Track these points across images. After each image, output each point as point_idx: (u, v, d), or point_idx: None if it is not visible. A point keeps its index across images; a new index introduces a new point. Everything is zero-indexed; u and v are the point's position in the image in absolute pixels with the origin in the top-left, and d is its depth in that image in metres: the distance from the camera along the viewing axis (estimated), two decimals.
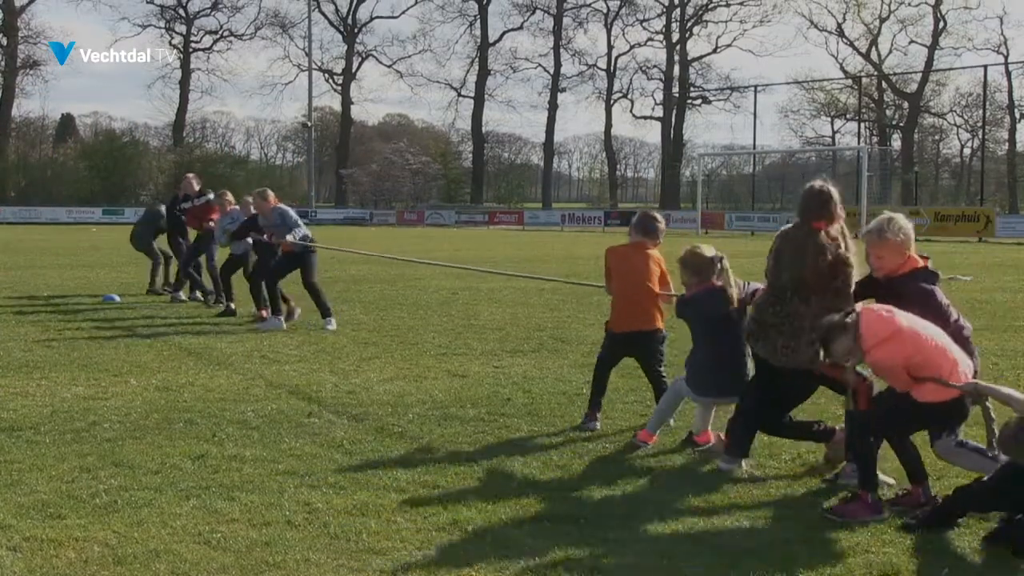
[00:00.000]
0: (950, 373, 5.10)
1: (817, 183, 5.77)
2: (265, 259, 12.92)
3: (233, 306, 13.84)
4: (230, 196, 14.67)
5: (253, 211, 13.18)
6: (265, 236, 12.76)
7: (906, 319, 5.16)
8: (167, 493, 5.45)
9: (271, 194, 12.75)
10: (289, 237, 12.20)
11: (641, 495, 5.55)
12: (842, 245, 5.65)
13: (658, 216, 7.38)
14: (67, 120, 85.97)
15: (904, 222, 5.62)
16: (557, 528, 4.98)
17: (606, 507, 5.32)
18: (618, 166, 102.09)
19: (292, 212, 12.62)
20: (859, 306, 5.45)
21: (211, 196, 15.24)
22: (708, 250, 6.50)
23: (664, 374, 7.20)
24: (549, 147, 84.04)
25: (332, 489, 5.56)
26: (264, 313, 12.65)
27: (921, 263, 5.59)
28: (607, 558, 4.58)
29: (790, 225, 5.84)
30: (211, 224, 14.92)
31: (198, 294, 15.32)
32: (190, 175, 16.01)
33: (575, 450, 6.47)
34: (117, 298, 15.53)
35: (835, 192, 5.72)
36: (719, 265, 6.40)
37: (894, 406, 5.30)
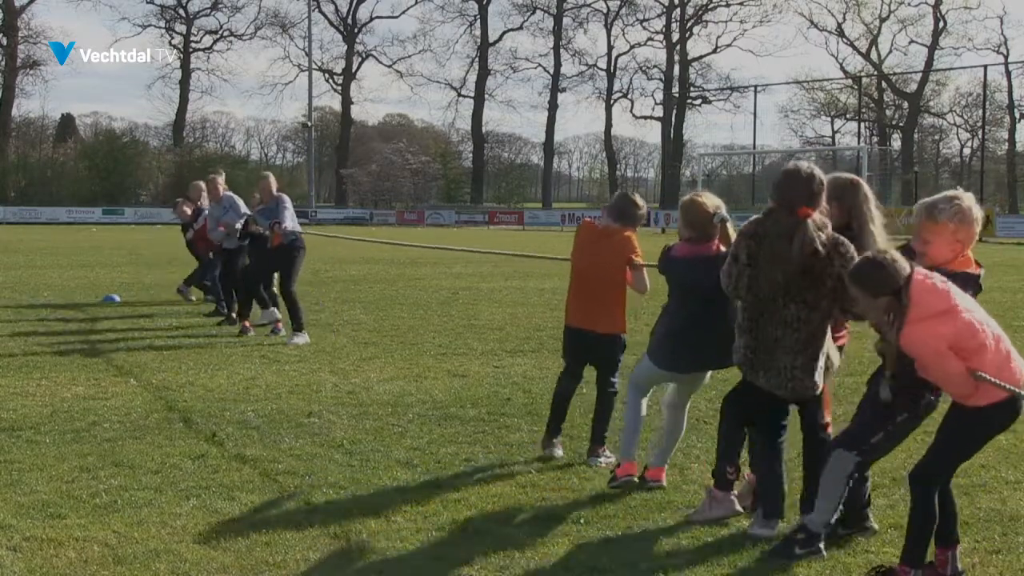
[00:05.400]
0: (999, 369, 4.08)
1: (804, 164, 4.82)
2: (258, 262, 12.20)
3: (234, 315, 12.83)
4: (221, 180, 13.23)
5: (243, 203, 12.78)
6: (261, 229, 11.87)
7: (961, 299, 4.13)
8: (167, 493, 5.46)
9: (273, 179, 11.98)
10: (287, 224, 11.28)
11: (641, 495, 5.54)
12: (829, 230, 4.73)
13: (638, 200, 6.33)
14: (67, 120, 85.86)
15: (968, 204, 4.37)
16: (557, 528, 4.98)
17: (606, 507, 5.32)
18: (618, 166, 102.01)
19: (289, 205, 11.68)
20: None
21: (207, 211, 14.20)
22: (710, 202, 5.49)
23: (615, 386, 6.39)
24: (549, 147, 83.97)
25: (332, 489, 5.56)
26: (247, 323, 11.85)
27: (975, 269, 4.43)
28: (607, 558, 4.58)
29: (758, 217, 4.85)
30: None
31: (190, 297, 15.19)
32: (179, 200, 15.10)
33: (575, 450, 6.47)
34: (117, 298, 15.53)
35: (823, 176, 4.78)
36: (720, 227, 5.38)
37: (957, 427, 4.24)
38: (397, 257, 26.35)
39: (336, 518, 5.06)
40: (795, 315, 4.72)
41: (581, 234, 6.41)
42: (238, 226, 12.58)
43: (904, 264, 4.16)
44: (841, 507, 4.62)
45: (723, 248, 5.34)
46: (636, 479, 5.65)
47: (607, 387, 6.38)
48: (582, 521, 5.08)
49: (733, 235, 5.26)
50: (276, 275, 12.32)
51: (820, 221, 4.71)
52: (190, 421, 7.16)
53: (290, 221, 11.45)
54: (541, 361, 9.92)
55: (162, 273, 20.63)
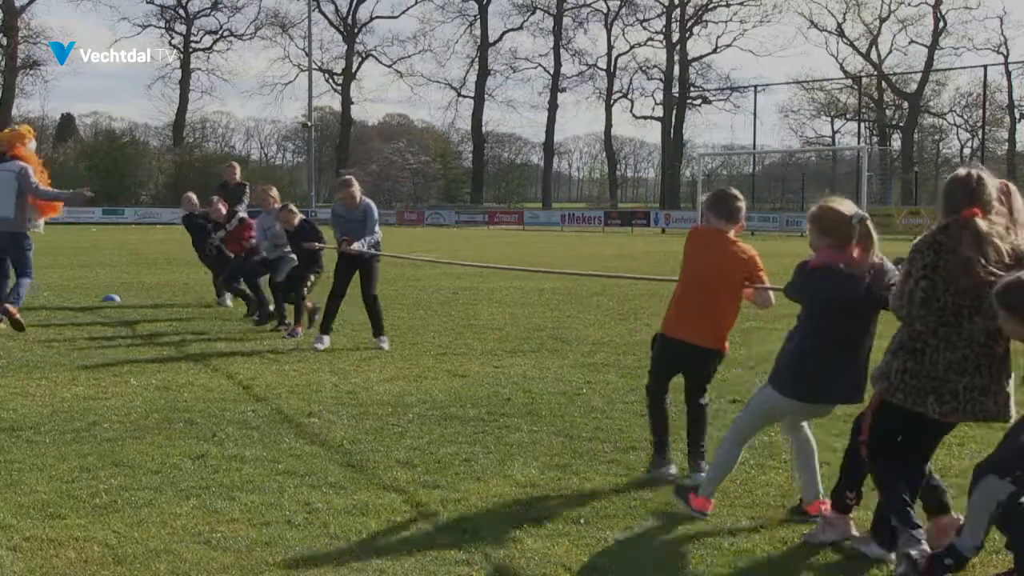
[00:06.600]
0: None
1: (961, 169, 4.46)
2: (306, 268, 11.95)
3: (272, 307, 12.65)
4: (275, 192, 13.08)
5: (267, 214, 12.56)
6: (317, 245, 11.74)
7: None
8: (167, 493, 5.46)
9: (356, 183, 11.12)
10: (357, 245, 10.79)
11: (641, 495, 5.54)
12: (1012, 233, 4.37)
13: (737, 193, 5.91)
14: (67, 120, 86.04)
15: None
16: (557, 528, 4.98)
17: (606, 507, 5.32)
18: (618, 166, 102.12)
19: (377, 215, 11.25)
20: None
21: (243, 215, 14.09)
22: (846, 206, 4.87)
23: (707, 398, 6.04)
24: (549, 147, 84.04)
25: (332, 489, 5.56)
26: (299, 329, 11.69)
27: None
28: (607, 558, 4.58)
29: (934, 230, 4.40)
30: (252, 241, 13.62)
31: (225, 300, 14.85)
32: (215, 198, 14.67)
33: (575, 450, 6.47)
34: (117, 298, 15.53)
35: (987, 177, 4.38)
36: (859, 227, 4.78)
37: None
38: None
39: (336, 518, 5.06)
40: (983, 329, 4.30)
41: (695, 241, 5.94)
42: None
43: None
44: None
45: (862, 252, 4.80)
46: (707, 516, 5.14)
47: (700, 399, 5.98)
48: (582, 521, 5.08)
49: (876, 242, 4.82)
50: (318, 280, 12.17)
51: (1001, 224, 4.36)
52: (190, 421, 7.16)
53: (374, 237, 10.99)
54: (541, 361, 9.92)
55: (162, 273, 20.64)
